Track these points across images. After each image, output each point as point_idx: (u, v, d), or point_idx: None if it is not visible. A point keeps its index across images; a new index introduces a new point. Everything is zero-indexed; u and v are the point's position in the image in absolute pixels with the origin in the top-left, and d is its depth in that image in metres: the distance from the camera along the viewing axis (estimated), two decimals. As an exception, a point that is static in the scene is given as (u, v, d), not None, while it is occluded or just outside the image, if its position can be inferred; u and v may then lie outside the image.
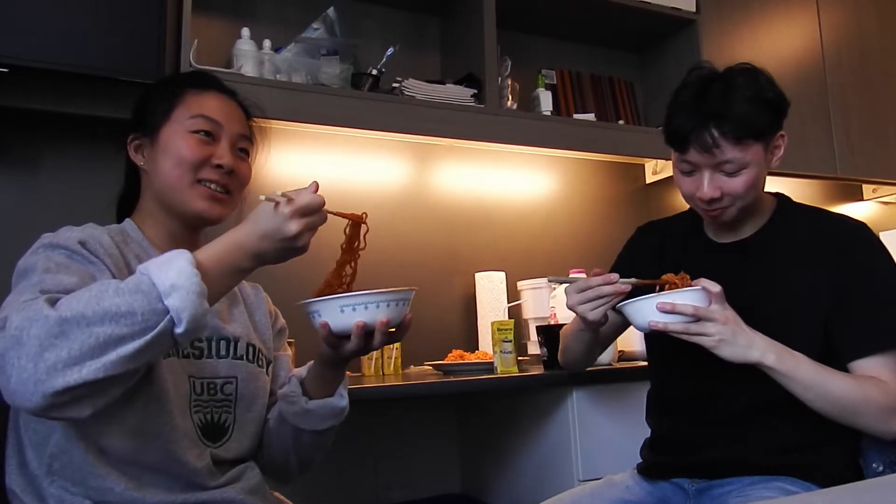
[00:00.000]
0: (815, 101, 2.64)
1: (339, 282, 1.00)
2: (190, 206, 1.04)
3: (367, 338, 0.93)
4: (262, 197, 0.88)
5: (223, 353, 1.06)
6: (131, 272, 0.91)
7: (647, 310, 1.07)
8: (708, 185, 1.13)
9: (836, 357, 1.10)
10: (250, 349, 1.09)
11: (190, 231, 1.09)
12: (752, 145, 1.10)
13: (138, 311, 0.76)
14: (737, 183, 1.12)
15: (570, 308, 1.19)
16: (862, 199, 3.18)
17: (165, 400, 0.94)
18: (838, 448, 1.13)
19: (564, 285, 1.23)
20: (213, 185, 1.04)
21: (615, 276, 1.13)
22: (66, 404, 0.75)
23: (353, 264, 1.01)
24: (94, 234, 0.96)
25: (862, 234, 1.16)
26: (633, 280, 1.14)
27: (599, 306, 1.14)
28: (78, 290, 0.79)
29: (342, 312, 0.92)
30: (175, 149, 1.03)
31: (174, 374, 0.97)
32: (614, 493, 1.23)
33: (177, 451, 0.94)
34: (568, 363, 1.48)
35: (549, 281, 1.23)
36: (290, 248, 0.87)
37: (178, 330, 0.78)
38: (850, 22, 2.80)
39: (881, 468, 1.13)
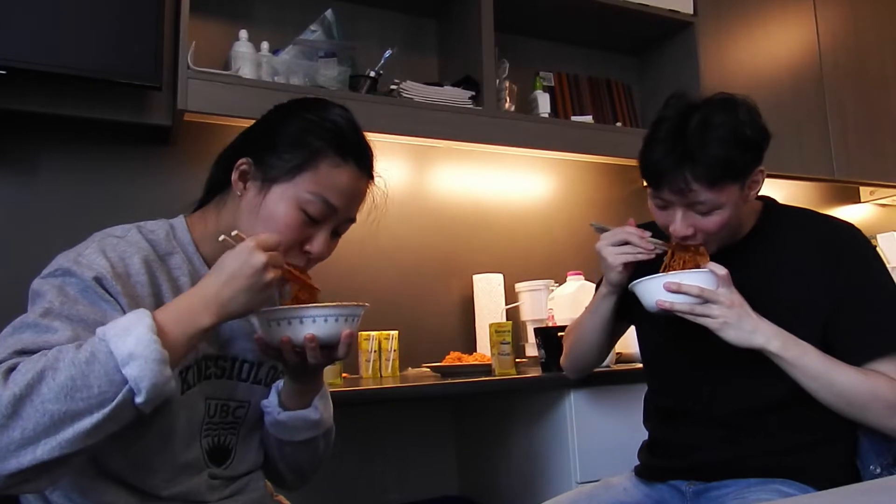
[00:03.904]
0: (812, 104, 2.65)
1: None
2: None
3: (301, 354, 0.91)
4: (221, 237, 0.86)
5: (244, 376, 1.04)
6: (160, 302, 0.90)
7: (655, 289, 1.08)
8: (680, 222, 1.11)
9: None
10: (271, 373, 1.07)
11: None
12: (728, 187, 1.07)
13: (94, 383, 0.72)
14: (710, 222, 1.10)
15: (599, 249, 1.21)
16: (859, 202, 3.19)
17: (171, 439, 0.92)
18: (835, 450, 1.13)
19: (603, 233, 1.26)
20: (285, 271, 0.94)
21: (648, 232, 1.18)
22: (20, 483, 0.72)
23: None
24: (122, 259, 0.90)
25: (855, 236, 1.15)
26: (659, 241, 1.17)
27: (626, 253, 1.18)
28: (36, 356, 0.74)
29: (269, 326, 0.90)
30: (276, 218, 0.94)
31: (189, 407, 0.95)
32: (612, 496, 1.23)
33: (175, 479, 0.94)
34: (575, 361, 1.42)
35: (592, 225, 1.27)
36: (258, 284, 0.82)
37: (139, 399, 0.75)
38: (846, 25, 2.80)
39: (878, 470, 1.13)
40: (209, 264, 0.99)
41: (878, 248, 2.85)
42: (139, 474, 0.91)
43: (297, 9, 2.06)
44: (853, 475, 1.13)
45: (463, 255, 2.27)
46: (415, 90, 1.98)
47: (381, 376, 1.87)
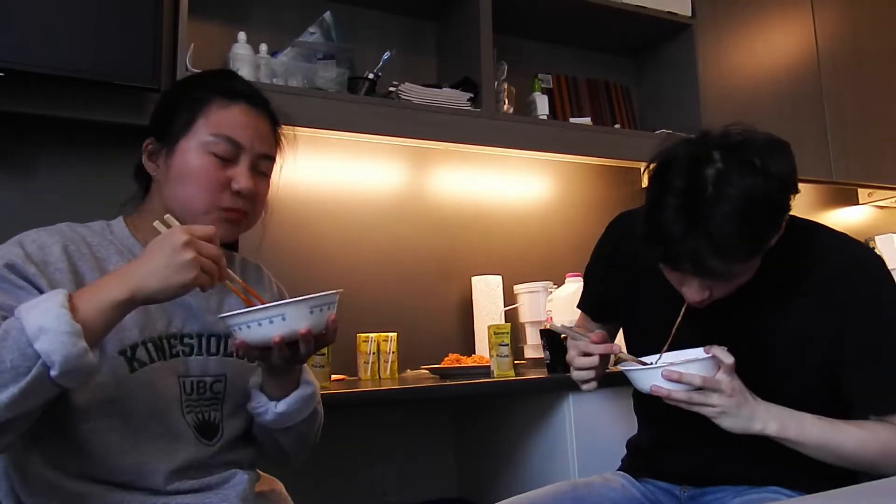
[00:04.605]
0: (811, 106, 2.65)
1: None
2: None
3: (292, 347, 0.92)
4: (155, 222, 0.89)
5: (213, 350, 1.05)
6: (80, 284, 0.93)
7: (652, 376, 1.02)
8: (696, 290, 1.02)
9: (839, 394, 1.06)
10: None
11: None
12: (753, 258, 0.99)
13: (7, 357, 0.75)
14: (729, 286, 1.03)
15: (568, 362, 1.17)
16: (857, 204, 3.19)
17: (142, 421, 0.94)
18: None
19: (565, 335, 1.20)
20: (227, 212, 1.01)
21: (616, 347, 1.11)
22: None
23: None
24: (41, 248, 0.93)
25: (873, 283, 1.06)
26: (630, 360, 1.10)
27: (593, 378, 1.13)
28: None
29: (257, 326, 0.89)
30: (190, 170, 0.99)
31: (151, 386, 0.96)
32: (611, 488, 1.21)
33: (172, 455, 0.95)
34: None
35: (550, 327, 1.20)
36: (175, 261, 0.81)
37: (53, 373, 0.76)
38: (844, 26, 2.81)
39: (876, 472, 1.13)
40: None
41: (875, 251, 2.85)
42: (112, 471, 0.92)
43: (295, 11, 2.06)
44: (850, 479, 1.12)
45: (462, 257, 2.27)
46: (413, 92, 1.98)
47: (379, 378, 1.86)
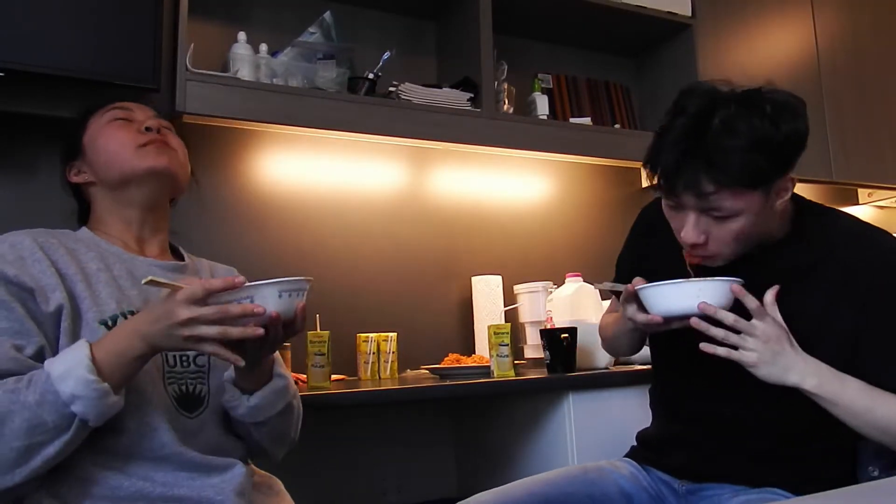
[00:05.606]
0: (811, 106, 2.56)
1: None
2: (140, 169, 1.10)
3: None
4: (143, 280, 0.91)
5: None
6: (60, 273, 0.98)
7: (687, 293, 0.99)
8: (692, 228, 1.02)
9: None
10: None
11: (148, 213, 1.14)
12: (748, 193, 0.98)
13: (48, 420, 0.84)
14: (725, 230, 1.02)
15: (631, 318, 1.12)
16: (857, 204, 3.19)
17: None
18: (835, 457, 1.12)
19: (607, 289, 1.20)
20: (151, 144, 1.11)
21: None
22: (18, 489, 0.87)
23: None
24: (11, 245, 0.98)
25: (888, 271, 1.04)
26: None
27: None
28: None
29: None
30: (104, 140, 1.12)
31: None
32: (621, 475, 1.21)
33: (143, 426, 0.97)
34: (615, 353, 1.49)
35: (597, 287, 1.20)
36: (178, 335, 0.87)
37: (92, 424, 0.87)
38: (844, 27, 2.81)
39: (876, 472, 1.12)
40: (115, 244, 1.11)
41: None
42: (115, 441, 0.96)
43: (295, 11, 2.06)
44: (852, 481, 1.12)
45: (462, 257, 2.27)
46: (413, 92, 1.98)
47: (379, 378, 1.86)
